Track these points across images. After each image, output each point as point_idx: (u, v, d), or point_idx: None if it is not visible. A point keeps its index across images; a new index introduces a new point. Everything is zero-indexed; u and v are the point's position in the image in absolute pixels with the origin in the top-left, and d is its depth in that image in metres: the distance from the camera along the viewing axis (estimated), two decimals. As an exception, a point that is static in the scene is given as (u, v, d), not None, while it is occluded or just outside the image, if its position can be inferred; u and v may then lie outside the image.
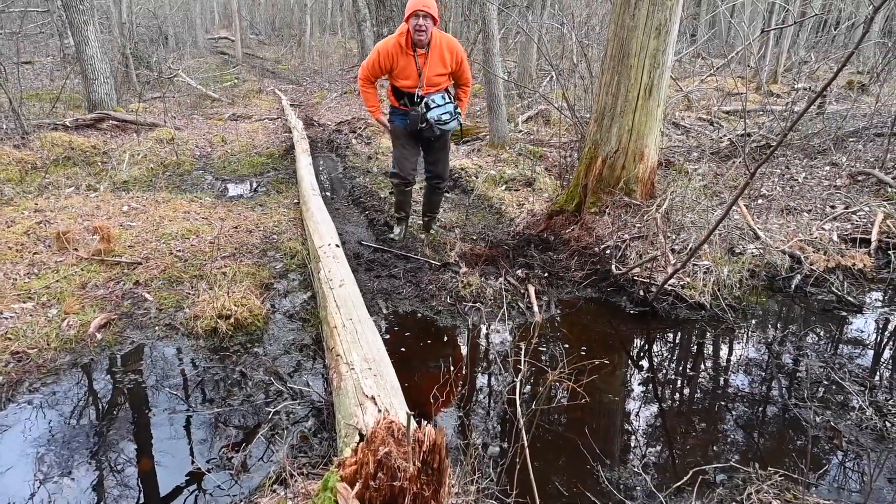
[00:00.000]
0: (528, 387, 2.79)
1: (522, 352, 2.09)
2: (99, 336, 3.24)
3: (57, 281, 3.73)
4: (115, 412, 2.73)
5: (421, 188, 5.27)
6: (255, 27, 31.97)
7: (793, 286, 4.21)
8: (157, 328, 3.39)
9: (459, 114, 4.35)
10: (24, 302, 3.46)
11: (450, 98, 4.28)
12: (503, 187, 6.29)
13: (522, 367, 2.06)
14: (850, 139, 7.46)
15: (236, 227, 4.82)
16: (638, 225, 4.29)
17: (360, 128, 9.28)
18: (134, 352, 3.18)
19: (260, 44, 27.69)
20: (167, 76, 12.26)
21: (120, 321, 3.42)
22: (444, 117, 4.21)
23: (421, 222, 5.06)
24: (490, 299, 3.83)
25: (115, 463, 2.40)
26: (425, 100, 4.17)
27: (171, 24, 19.24)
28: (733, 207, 3.98)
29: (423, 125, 4.19)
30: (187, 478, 2.34)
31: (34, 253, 4.09)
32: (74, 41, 8.72)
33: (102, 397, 2.83)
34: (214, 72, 15.87)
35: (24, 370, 2.92)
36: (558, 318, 3.75)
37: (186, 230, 4.67)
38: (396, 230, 4.83)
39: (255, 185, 6.55)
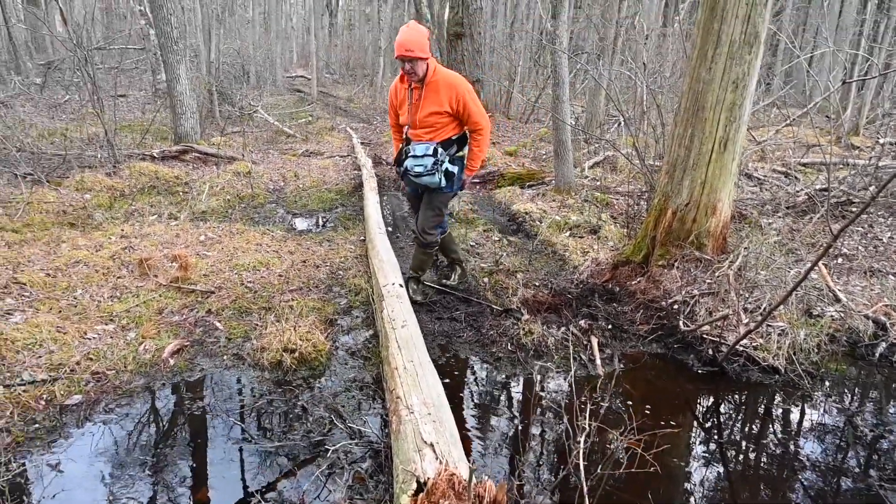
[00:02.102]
0: (590, 445, 2.70)
1: (587, 411, 2.03)
2: (172, 362, 3.37)
3: (137, 305, 3.93)
4: (179, 437, 2.82)
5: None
6: (331, 67, 33.39)
7: (877, 354, 3.96)
8: (225, 357, 3.51)
9: (452, 172, 3.97)
10: (107, 324, 3.66)
11: (438, 153, 3.87)
12: (567, 234, 6.24)
13: (587, 427, 2.00)
14: (942, 198, 7.03)
15: (304, 262, 4.96)
16: (708, 281, 4.16)
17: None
18: (203, 379, 3.29)
19: (334, 83, 28.88)
20: (247, 112, 12.93)
21: (192, 348, 3.56)
22: (417, 169, 3.88)
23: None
24: (552, 349, 3.77)
25: (174, 486, 2.48)
26: (406, 147, 3.95)
27: (254, 62, 20.35)
28: (819, 269, 3.80)
29: (399, 169, 4.06)
30: (246, 511, 2.38)
31: (118, 277, 4.33)
32: (167, 78, 9.35)
33: (170, 422, 2.94)
34: (290, 109, 16.63)
35: (102, 390, 3.07)
36: (621, 372, 3.65)
37: (258, 262, 4.84)
38: (412, 288, 4.36)
39: (323, 220, 6.75)
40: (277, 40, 26.45)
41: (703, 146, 4.15)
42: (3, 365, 3.06)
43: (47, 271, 4.24)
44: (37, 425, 2.78)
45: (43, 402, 2.90)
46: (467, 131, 3.97)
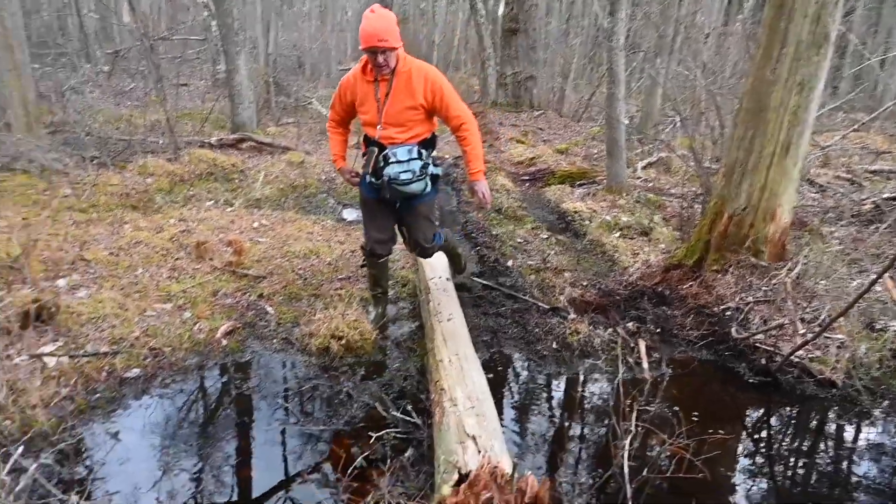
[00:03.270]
0: (635, 449, 2.66)
1: (634, 413, 2.01)
2: (224, 342, 3.49)
3: (193, 286, 4.07)
4: (228, 415, 2.94)
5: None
6: (384, 60, 33.67)
7: (944, 373, 3.76)
8: (274, 341, 3.60)
9: (437, 175, 3.42)
10: (165, 303, 3.80)
11: (423, 155, 3.29)
12: (617, 234, 6.14)
13: (633, 429, 1.98)
14: None
15: (353, 251, 5.04)
16: (764, 288, 4.03)
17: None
18: (252, 361, 3.39)
19: (386, 76, 29.11)
20: (302, 103, 13.19)
21: (243, 330, 3.67)
22: (403, 176, 3.22)
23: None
24: (598, 349, 3.73)
25: (220, 462, 2.58)
26: (385, 152, 3.22)
27: (309, 55, 20.70)
28: (883, 281, 3.62)
29: (376, 181, 3.28)
30: (284, 487, 2.46)
31: (176, 259, 4.49)
32: (226, 68, 9.61)
33: (219, 400, 3.05)
34: (343, 101, 16.85)
35: (158, 366, 3.20)
36: (669, 377, 3.58)
37: (308, 250, 4.94)
38: (372, 312, 3.83)
39: (372, 211, 6.83)
40: (333, 33, 26.84)
41: (765, 149, 4.01)
42: (70, 336, 3.22)
43: (111, 250, 4.43)
44: (98, 395, 2.92)
45: (105, 374, 3.05)
46: (452, 132, 3.42)
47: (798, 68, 3.79)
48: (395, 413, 2.87)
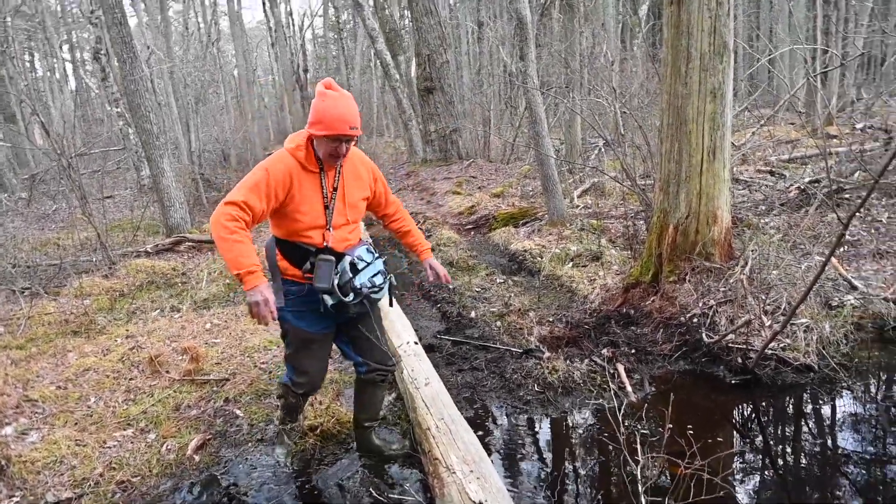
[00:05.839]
0: (651, 478, 2.61)
1: (638, 441, 1.96)
2: (197, 458, 3.27)
3: (153, 405, 3.83)
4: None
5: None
6: (308, 138, 33.98)
7: (905, 336, 3.90)
8: (249, 444, 3.40)
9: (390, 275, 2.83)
10: (125, 429, 3.56)
11: (375, 251, 2.81)
12: (570, 265, 6.22)
13: (640, 459, 1.93)
14: (929, 173, 7.10)
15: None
16: (723, 289, 4.12)
17: (419, 222, 9.51)
18: (231, 471, 3.18)
19: (313, 153, 29.27)
20: (233, 194, 13.02)
21: (215, 441, 3.45)
22: (378, 280, 2.71)
23: (359, 431, 3.18)
24: (580, 383, 3.69)
25: None
26: (349, 258, 2.61)
27: (233, 145, 20.68)
28: (824, 258, 3.76)
29: (345, 298, 2.58)
30: None
31: (129, 379, 4.24)
32: (151, 173, 9.44)
33: (205, 522, 2.82)
34: (275, 184, 16.77)
35: (129, 499, 2.95)
36: (654, 396, 3.56)
37: (267, 342, 4.77)
38: (281, 453, 3.14)
39: (325, 288, 6.70)
40: (253, 121, 27.00)
41: (693, 158, 4.18)
42: (26, 489, 2.95)
43: (58, 384, 4.15)
44: (67, 548, 2.66)
45: (71, 522, 2.79)
46: (388, 217, 3.00)
47: (706, 78, 4.01)
48: (392, 496, 2.72)
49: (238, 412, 3.75)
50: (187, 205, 9.98)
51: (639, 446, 1.97)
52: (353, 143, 2.57)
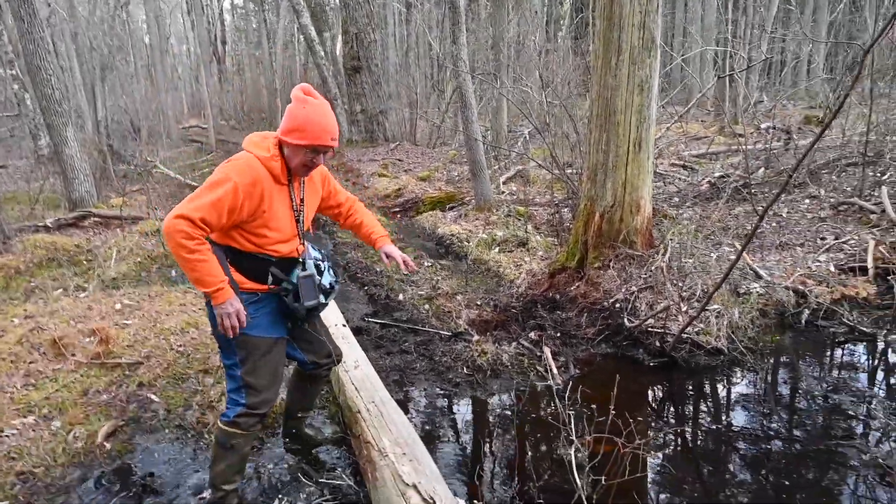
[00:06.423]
0: (584, 456, 2.69)
1: (571, 422, 2.01)
2: (108, 446, 3.07)
3: (57, 390, 3.55)
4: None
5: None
6: (225, 113, 32.54)
7: (803, 321, 4.23)
8: (167, 430, 3.23)
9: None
10: (25, 416, 3.28)
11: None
12: (497, 250, 6.30)
13: (574, 439, 1.98)
14: (824, 171, 7.70)
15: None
16: (644, 276, 4.30)
17: (344, 203, 9.31)
18: (146, 458, 3.01)
19: (232, 129, 28.10)
20: (145, 169, 12.29)
21: (128, 427, 3.25)
22: (330, 281, 2.59)
23: (291, 422, 3.00)
24: (508, 365, 3.75)
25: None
26: (310, 261, 2.50)
27: (144, 117, 19.47)
28: (735, 248, 4.02)
29: (324, 300, 2.53)
30: None
31: (29, 362, 3.91)
32: (53, 142, 8.73)
33: (119, 513, 2.65)
34: (191, 160, 16.00)
35: (31, 492, 2.73)
36: (578, 377, 3.68)
37: (185, 323, 4.53)
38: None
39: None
40: (167, 93, 25.50)
41: (620, 148, 4.31)
42: None
43: (-56, 369, 3.78)
44: (-40, 546, 2.43)
45: (-37, 519, 2.55)
46: (342, 214, 2.79)
47: (635, 71, 4.14)
48: (322, 481, 2.66)
49: (153, 397, 3.55)
50: (93, 177, 9.30)
51: (571, 426, 2.02)
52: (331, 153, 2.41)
